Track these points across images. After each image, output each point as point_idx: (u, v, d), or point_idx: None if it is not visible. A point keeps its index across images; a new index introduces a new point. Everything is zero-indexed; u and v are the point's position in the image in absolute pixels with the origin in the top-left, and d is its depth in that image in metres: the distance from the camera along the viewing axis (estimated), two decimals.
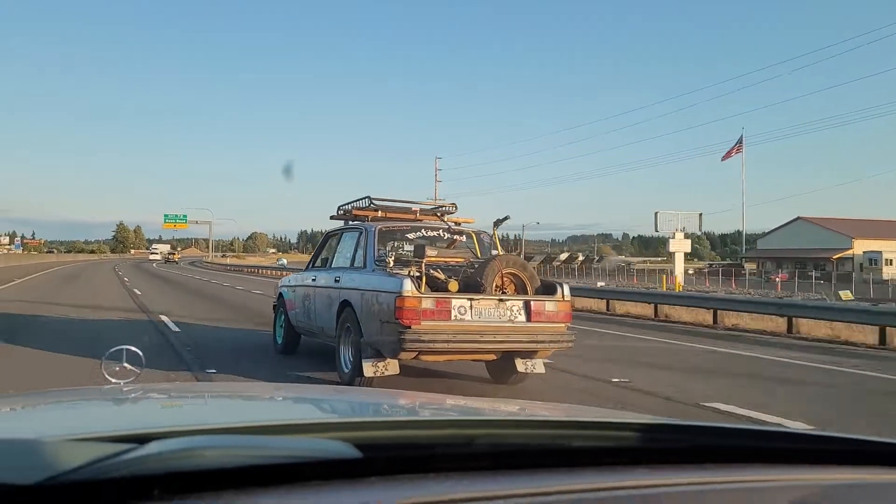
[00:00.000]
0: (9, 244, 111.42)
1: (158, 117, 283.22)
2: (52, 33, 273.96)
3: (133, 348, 1.60)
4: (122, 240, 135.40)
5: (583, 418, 1.12)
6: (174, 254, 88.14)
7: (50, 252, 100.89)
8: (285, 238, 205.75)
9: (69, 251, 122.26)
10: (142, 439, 0.71)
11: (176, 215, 70.62)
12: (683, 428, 1.01)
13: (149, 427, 0.83)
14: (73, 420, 1.23)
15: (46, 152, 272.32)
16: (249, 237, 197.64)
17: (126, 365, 1.57)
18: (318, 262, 6.86)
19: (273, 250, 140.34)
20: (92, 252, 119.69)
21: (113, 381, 1.54)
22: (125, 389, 1.49)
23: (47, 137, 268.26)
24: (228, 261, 76.65)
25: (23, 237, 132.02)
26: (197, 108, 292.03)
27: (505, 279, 5.38)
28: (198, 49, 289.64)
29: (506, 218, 6.22)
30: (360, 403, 1.56)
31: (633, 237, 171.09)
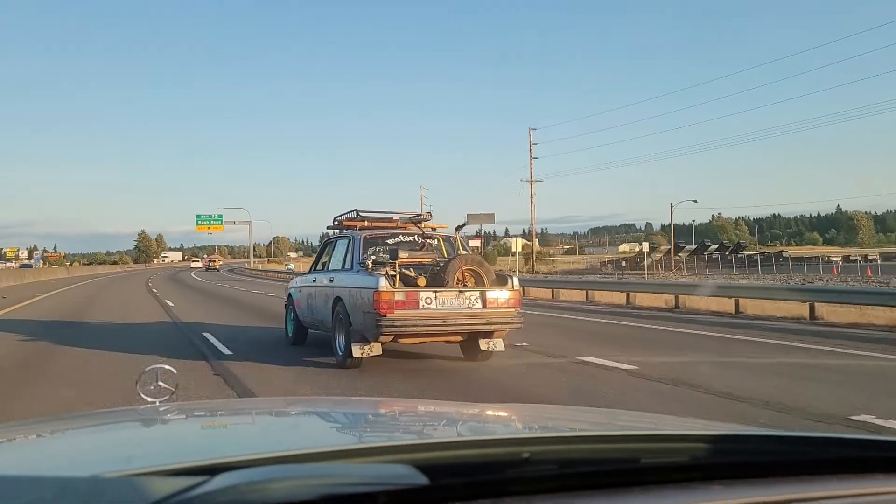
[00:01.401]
0: (28, 258, 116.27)
1: (178, 124, 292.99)
2: (70, 47, 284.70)
3: (167, 367, 1.72)
4: (145, 249, 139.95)
5: (650, 431, 1.15)
6: (215, 261, 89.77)
7: (65, 265, 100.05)
8: (307, 241, 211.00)
9: (90, 263, 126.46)
10: (209, 471, 0.74)
11: (210, 216, 64.82)
12: (752, 438, 1.02)
13: (213, 457, 0.88)
14: (127, 448, 1.27)
15: (68, 165, 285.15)
16: (272, 241, 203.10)
17: (161, 384, 1.67)
18: (319, 266, 8.66)
19: (294, 254, 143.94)
20: (114, 263, 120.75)
21: (149, 399, 1.64)
22: (161, 409, 1.59)
23: (70, 152, 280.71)
24: (269, 266, 73.91)
25: (44, 251, 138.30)
26: (214, 113, 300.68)
27: (466, 274, 7.06)
28: (225, 54, 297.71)
29: (464, 224, 7.93)
30: (414, 419, 1.70)
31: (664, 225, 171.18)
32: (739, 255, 62.45)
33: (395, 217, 8.27)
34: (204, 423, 1.62)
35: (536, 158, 47.48)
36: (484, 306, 6.89)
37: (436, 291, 6.78)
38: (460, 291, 6.85)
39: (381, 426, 1.56)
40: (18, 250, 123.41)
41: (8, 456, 1.22)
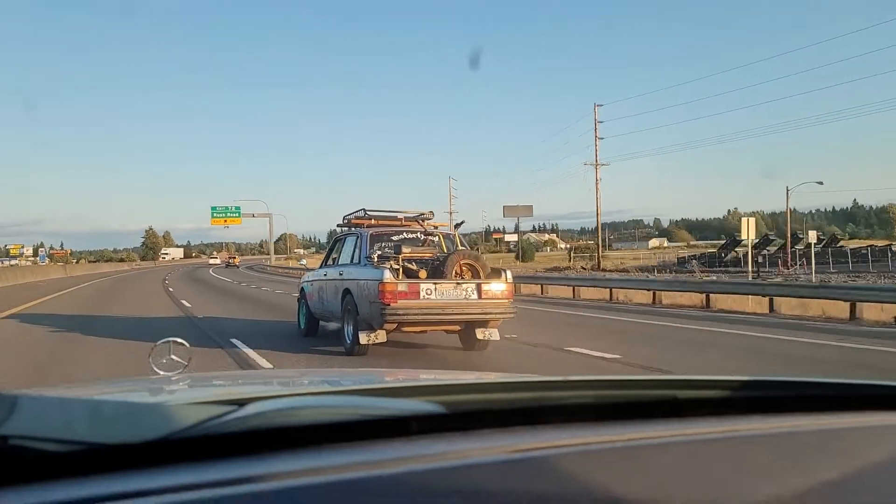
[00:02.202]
0: (32, 255, 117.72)
1: (181, 124, 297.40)
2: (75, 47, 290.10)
3: (180, 340, 1.78)
4: (152, 246, 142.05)
5: (683, 377, 1.22)
6: (234, 258, 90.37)
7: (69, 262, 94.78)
8: (314, 238, 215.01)
9: (97, 260, 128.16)
10: (242, 403, 0.82)
11: (226, 208, 61.66)
12: (765, 384, 1.13)
13: (245, 394, 0.97)
14: (155, 397, 1.38)
15: (75, 163, 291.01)
16: (279, 238, 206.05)
17: (174, 357, 1.73)
18: (330, 261, 9.67)
19: (302, 251, 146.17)
20: (121, 261, 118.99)
21: (161, 372, 1.69)
22: (174, 380, 1.65)
23: (77, 149, 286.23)
24: (291, 263, 69.55)
25: (51, 248, 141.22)
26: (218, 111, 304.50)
27: (464, 268, 8.03)
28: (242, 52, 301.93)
29: (461, 223, 8.95)
30: (431, 377, 1.80)
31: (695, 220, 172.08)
32: (841, 249, 54.09)
33: (400, 215, 9.28)
34: (225, 384, 1.77)
35: (602, 139, 42.64)
36: (479, 297, 7.85)
37: (435, 283, 7.75)
38: (458, 283, 7.81)
39: (402, 378, 1.68)
40: (23, 247, 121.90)
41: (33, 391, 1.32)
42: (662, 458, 0.85)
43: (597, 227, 45.67)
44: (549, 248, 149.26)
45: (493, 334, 8.19)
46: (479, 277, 7.97)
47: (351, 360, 7.86)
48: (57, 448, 0.67)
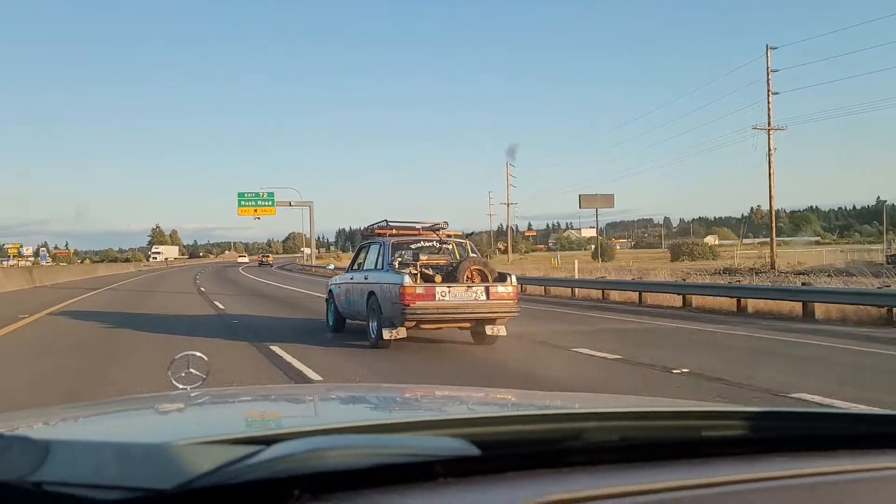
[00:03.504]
0: (32, 256, 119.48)
1: (183, 122, 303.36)
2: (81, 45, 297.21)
3: (198, 354, 1.95)
4: (159, 245, 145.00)
5: (699, 408, 1.29)
6: (268, 256, 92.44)
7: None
8: (323, 237, 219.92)
9: (101, 260, 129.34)
10: (266, 441, 0.83)
11: (257, 194, 54.82)
12: (796, 415, 1.17)
13: (268, 430, 1.04)
14: (173, 425, 1.47)
15: (81, 162, 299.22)
16: (287, 237, 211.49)
17: (192, 370, 1.90)
18: (355, 266, 11.55)
19: (308, 250, 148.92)
20: (126, 260, 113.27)
21: (180, 386, 1.85)
22: (193, 394, 1.80)
23: (83, 148, 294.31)
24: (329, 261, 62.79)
25: (55, 247, 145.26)
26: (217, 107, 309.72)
27: (474, 272, 9.86)
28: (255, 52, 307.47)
29: (471, 234, 10.76)
30: (456, 398, 1.94)
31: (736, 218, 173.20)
32: None
33: (418, 226, 11.16)
34: (245, 405, 1.83)
35: (776, 94, 35.16)
36: (487, 298, 9.67)
37: (449, 286, 9.58)
38: (469, 286, 9.64)
39: (428, 406, 1.78)
40: (21, 246, 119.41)
41: (62, 430, 1.40)
42: None
43: (770, 214, 38.19)
44: (592, 247, 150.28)
45: (500, 330, 10.00)
46: (488, 281, 9.81)
47: (376, 352, 9.70)
48: (87, 493, 0.72)
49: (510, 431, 1.08)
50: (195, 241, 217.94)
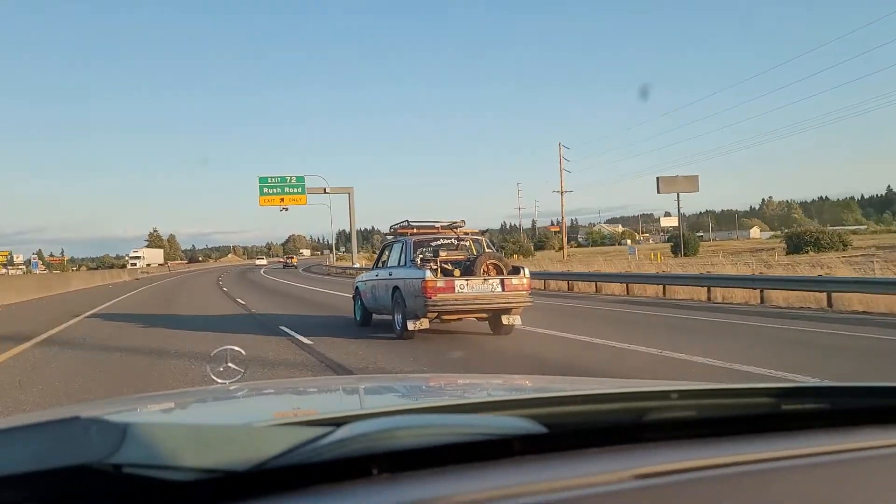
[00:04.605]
0: (23, 264, 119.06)
1: (184, 127, 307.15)
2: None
3: (236, 348, 2.10)
4: (140, 249, 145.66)
5: (746, 385, 1.34)
6: (292, 258, 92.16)
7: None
8: (323, 239, 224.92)
9: (97, 267, 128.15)
10: (335, 423, 0.89)
11: (283, 179, 48.18)
12: (882, 390, 1.23)
13: (334, 412, 1.08)
14: (245, 411, 1.60)
15: (77, 169, 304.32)
16: (287, 240, 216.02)
17: (230, 365, 2.06)
18: (380, 264, 13.20)
19: (307, 252, 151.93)
20: (123, 266, 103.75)
21: (219, 381, 2.01)
22: (232, 388, 1.94)
23: (80, 155, 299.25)
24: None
25: (50, 255, 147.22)
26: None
27: (489, 267, 11.46)
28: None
29: (486, 231, 12.41)
30: (508, 386, 2.03)
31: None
32: None
33: (437, 225, 12.80)
34: (300, 393, 2.01)
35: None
36: (503, 290, 11.26)
37: (467, 280, 11.18)
38: (485, 279, 11.23)
39: (486, 390, 1.93)
40: (10, 254, 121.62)
41: (135, 415, 1.51)
42: (792, 485, 0.91)
43: None
44: (629, 241, 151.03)
45: (516, 320, 11.59)
46: (503, 274, 11.42)
47: (401, 342, 11.28)
48: (164, 475, 0.77)
49: (580, 411, 1.13)
50: (193, 245, 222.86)
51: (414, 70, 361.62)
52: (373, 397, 1.96)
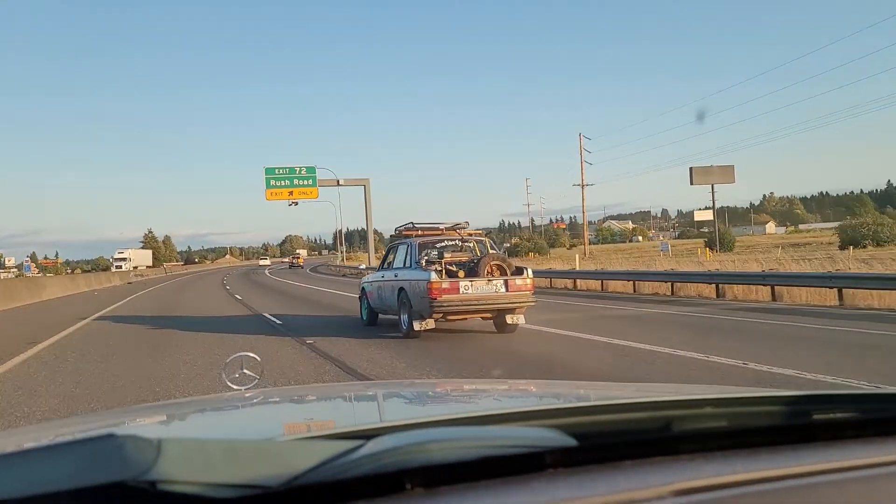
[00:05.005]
0: (15, 267, 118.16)
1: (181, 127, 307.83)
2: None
3: (251, 354, 2.17)
4: (153, 251, 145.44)
5: (779, 393, 1.33)
6: (298, 258, 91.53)
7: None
8: (321, 239, 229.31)
9: (91, 269, 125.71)
10: (363, 436, 0.90)
11: (292, 170, 45.41)
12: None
13: (360, 425, 1.08)
14: (268, 423, 1.61)
15: (72, 171, 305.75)
16: (284, 241, 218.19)
17: (245, 371, 2.12)
18: (386, 265, 13.72)
19: (304, 252, 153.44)
20: (106, 269, 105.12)
21: (234, 387, 2.06)
22: (247, 395, 1.99)
23: (73, 157, 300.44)
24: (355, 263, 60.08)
25: (45, 257, 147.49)
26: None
27: (493, 267, 11.97)
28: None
29: (490, 231, 12.92)
30: (532, 393, 2.08)
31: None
32: None
33: (441, 226, 13.33)
34: (319, 402, 2.02)
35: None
36: (507, 290, 11.76)
37: (471, 280, 11.68)
38: (489, 280, 11.73)
39: (509, 397, 1.97)
40: (2, 256, 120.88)
41: (163, 428, 1.57)
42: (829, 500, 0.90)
43: None
44: (640, 238, 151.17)
45: (520, 319, 12.09)
46: (507, 275, 11.93)
47: (408, 341, 11.77)
48: (199, 491, 0.79)
49: (610, 421, 1.14)
50: (189, 246, 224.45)
51: (412, 64, 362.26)
52: (395, 407, 1.98)
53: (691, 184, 59.78)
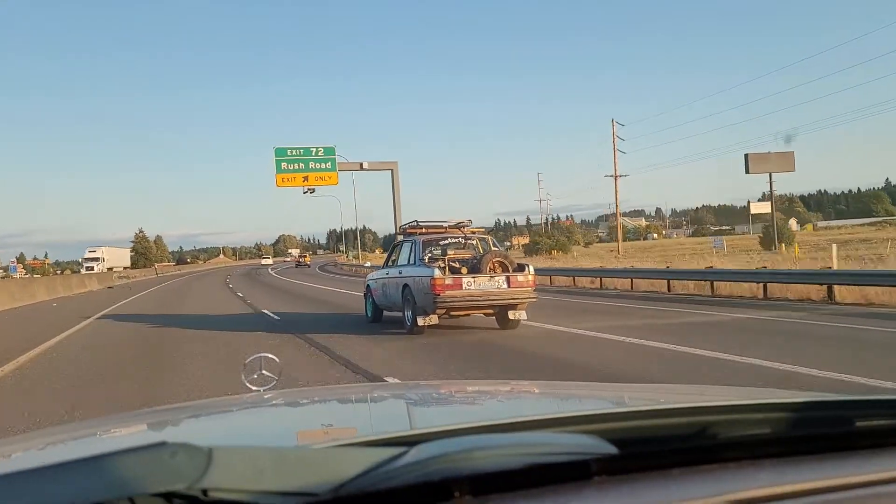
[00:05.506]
0: (1, 267, 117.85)
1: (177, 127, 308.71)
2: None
3: (270, 355, 2.17)
4: (143, 252, 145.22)
5: (822, 398, 1.33)
6: (305, 256, 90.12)
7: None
8: (314, 239, 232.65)
9: (77, 270, 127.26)
10: (408, 442, 0.90)
11: (307, 150, 39.25)
12: None
13: (399, 431, 1.09)
14: (305, 427, 1.64)
15: (63, 173, 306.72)
16: (277, 240, 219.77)
17: (264, 372, 2.12)
18: (390, 263, 14.36)
19: (295, 251, 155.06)
20: (91, 270, 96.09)
21: (253, 388, 2.07)
22: (266, 396, 2.01)
23: (64, 158, 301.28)
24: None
25: (34, 258, 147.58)
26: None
27: (495, 264, 12.61)
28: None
29: (492, 229, 13.59)
30: (561, 396, 2.06)
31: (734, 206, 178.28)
32: None
33: (445, 224, 14.00)
34: (347, 405, 2.06)
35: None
36: (508, 286, 12.38)
37: (474, 277, 12.31)
38: (491, 277, 12.36)
39: (532, 402, 1.98)
40: None
41: (203, 435, 1.61)
42: None
43: None
44: (655, 235, 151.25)
45: (522, 315, 12.69)
46: (508, 271, 12.57)
47: (412, 337, 12.46)
48: (249, 499, 0.81)
49: (648, 426, 1.15)
50: (180, 246, 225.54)
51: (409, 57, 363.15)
52: (428, 412, 1.99)
53: (747, 172, 55.78)
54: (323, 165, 39.79)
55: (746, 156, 56.73)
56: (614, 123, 58.64)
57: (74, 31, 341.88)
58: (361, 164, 41.87)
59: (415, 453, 0.87)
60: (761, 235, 60.82)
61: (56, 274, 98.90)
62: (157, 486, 0.78)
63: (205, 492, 0.80)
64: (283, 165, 39.26)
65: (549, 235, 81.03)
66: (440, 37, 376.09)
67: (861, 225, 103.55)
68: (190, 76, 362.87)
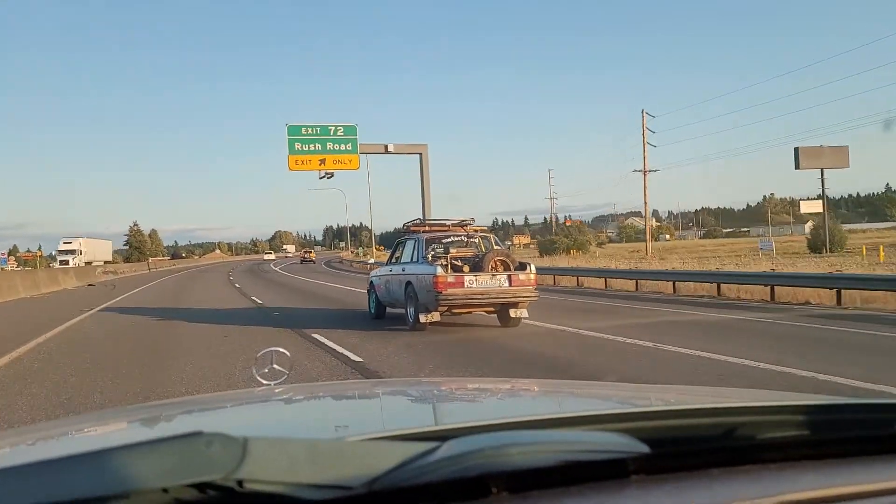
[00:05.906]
0: None
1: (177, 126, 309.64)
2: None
3: (281, 349, 2.21)
4: (138, 246, 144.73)
5: (859, 401, 1.36)
6: (311, 252, 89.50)
7: None
8: (310, 236, 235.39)
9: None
10: (439, 437, 0.91)
11: (326, 129, 33.86)
12: None
13: (436, 424, 1.16)
14: (331, 420, 1.67)
15: (60, 165, 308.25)
16: (273, 237, 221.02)
17: (275, 366, 2.16)
18: (393, 260, 14.83)
19: (292, 248, 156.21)
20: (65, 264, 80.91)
21: (264, 382, 2.11)
22: (277, 390, 2.04)
23: (60, 150, 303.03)
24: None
25: (27, 251, 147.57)
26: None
27: (497, 263, 13.06)
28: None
29: (496, 229, 14.07)
30: (589, 395, 2.08)
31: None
32: None
33: (448, 223, 14.49)
34: (372, 399, 2.10)
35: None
36: (510, 285, 12.82)
37: (476, 275, 12.75)
38: (493, 275, 12.80)
39: (569, 401, 1.98)
40: None
41: (235, 426, 1.65)
42: None
43: None
44: (668, 237, 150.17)
45: (523, 313, 13.12)
46: (510, 270, 13.03)
47: (414, 333, 12.88)
48: (284, 491, 0.83)
49: (682, 426, 1.16)
50: (175, 241, 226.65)
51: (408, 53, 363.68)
52: (449, 406, 2.01)
53: (797, 167, 52.64)
54: (343, 147, 34.23)
55: (797, 149, 53.05)
56: (644, 115, 55.27)
57: (71, 27, 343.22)
58: (387, 147, 35.62)
59: (449, 448, 0.88)
60: (808, 237, 57.26)
61: (49, 266, 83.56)
62: (192, 476, 0.79)
63: (240, 483, 0.80)
64: (297, 146, 33.85)
65: (566, 235, 78.04)
66: (437, 37, 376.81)
67: (886, 229, 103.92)
68: (187, 70, 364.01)
